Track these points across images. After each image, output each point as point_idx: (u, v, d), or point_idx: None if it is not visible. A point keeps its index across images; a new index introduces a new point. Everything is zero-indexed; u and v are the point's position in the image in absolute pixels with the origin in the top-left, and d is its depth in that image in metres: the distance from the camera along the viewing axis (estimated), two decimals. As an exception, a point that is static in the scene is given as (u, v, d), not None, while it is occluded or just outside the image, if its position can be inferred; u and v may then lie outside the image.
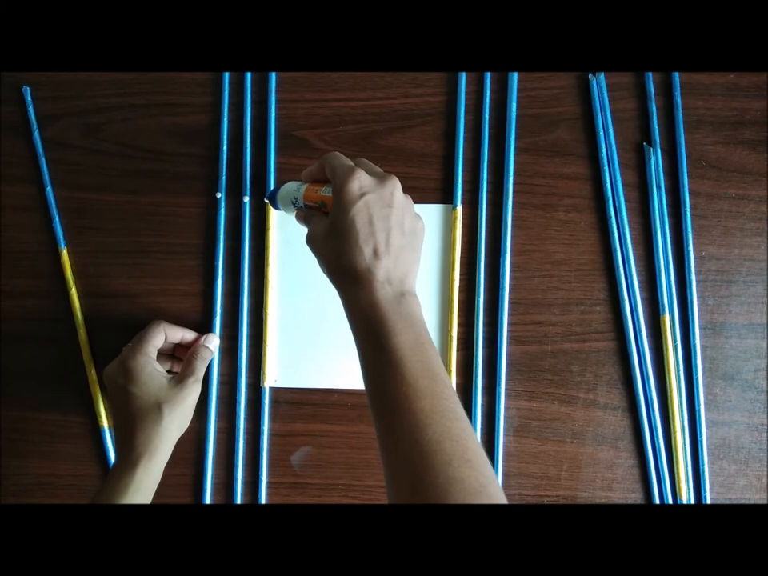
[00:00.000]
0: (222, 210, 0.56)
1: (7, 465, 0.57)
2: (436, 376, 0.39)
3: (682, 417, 0.55)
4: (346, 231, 0.41)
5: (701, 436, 0.55)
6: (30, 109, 0.57)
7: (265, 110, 0.57)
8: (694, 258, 0.55)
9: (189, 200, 0.57)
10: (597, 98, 0.56)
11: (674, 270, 0.56)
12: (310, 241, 0.45)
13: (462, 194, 0.56)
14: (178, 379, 0.51)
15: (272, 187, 0.56)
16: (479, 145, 0.56)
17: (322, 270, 0.44)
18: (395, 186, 0.43)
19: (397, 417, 0.37)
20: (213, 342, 0.55)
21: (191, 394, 0.51)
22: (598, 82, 0.56)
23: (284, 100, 0.57)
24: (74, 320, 0.56)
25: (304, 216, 0.48)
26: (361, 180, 0.42)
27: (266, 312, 0.56)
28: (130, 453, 0.48)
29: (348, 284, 0.42)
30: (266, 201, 0.55)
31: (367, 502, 0.56)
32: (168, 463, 0.50)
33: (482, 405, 0.56)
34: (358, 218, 0.41)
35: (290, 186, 0.49)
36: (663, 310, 0.55)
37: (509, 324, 0.56)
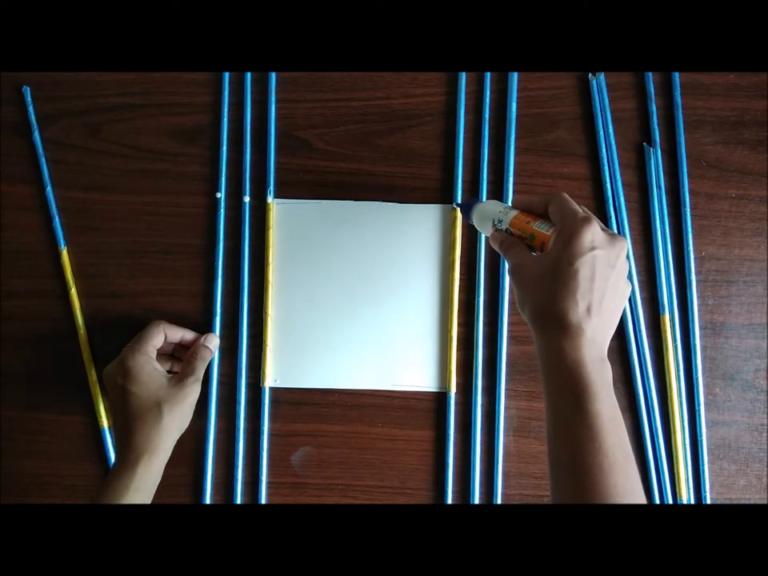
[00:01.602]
0: (222, 210, 0.56)
1: (7, 465, 0.57)
2: (629, 456, 0.39)
3: (682, 417, 0.55)
4: (567, 279, 0.40)
5: (701, 436, 0.55)
6: (30, 109, 0.57)
7: (265, 110, 0.57)
8: (694, 258, 0.55)
9: (189, 200, 0.57)
10: (597, 97, 0.56)
11: (674, 269, 0.56)
12: (516, 273, 0.43)
13: (462, 194, 0.56)
14: (178, 379, 0.51)
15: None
16: (479, 145, 0.56)
17: (522, 306, 0.43)
18: (623, 248, 0.42)
19: (586, 481, 0.38)
20: (212, 342, 0.55)
21: (191, 393, 0.51)
22: (598, 81, 0.56)
23: (284, 100, 0.57)
24: (73, 320, 0.56)
25: (503, 240, 0.46)
26: (594, 233, 0.40)
27: (266, 312, 0.56)
28: (130, 452, 0.48)
29: (554, 331, 0.40)
30: (456, 206, 0.55)
31: (367, 501, 0.56)
32: (168, 463, 0.50)
33: (482, 405, 0.56)
34: (583, 271, 0.40)
35: (495, 206, 0.48)
36: (663, 309, 0.55)
37: (509, 324, 0.56)
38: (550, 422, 0.41)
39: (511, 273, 0.44)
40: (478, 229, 0.50)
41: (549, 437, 0.41)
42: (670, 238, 0.56)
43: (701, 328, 0.56)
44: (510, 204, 0.47)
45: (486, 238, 0.56)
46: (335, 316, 0.56)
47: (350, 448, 0.57)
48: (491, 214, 0.47)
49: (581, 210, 0.42)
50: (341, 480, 0.57)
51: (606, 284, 0.40)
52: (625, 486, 0.38)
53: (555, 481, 0.40)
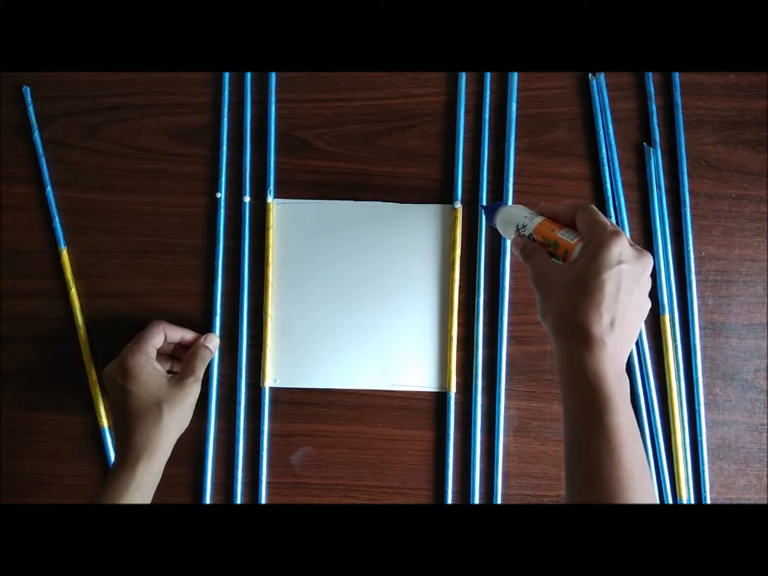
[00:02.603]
0: (222, 210, 0.56)
1: (7, 465, 0.57)
2: (646, 470, 0.39)
3: (682, 417, 0.55)
4: (592, 291, 0.40)
5: (701, 436, 0.55)
6: (30, 109, 0.57)
7: (265, 110, 0.57)
8: (694, 258, 0.55)
9: (189, 200, 0.57)
10: (597, 98, 0.56)
11: (674, 269, 0.56)
12: (540, 282, 0.43)
13: (462, 194, 0.56)
14: (178, 379, 0.51)
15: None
16: (479, 145, 0.56)
17: (543, 314, 0.43)
18: (649, 264, 0.42)
19: (605, 495, 0.38)
20: (212, 342, 0.55)
21: (191, 393, 0.51)
22: (598, 81, 0.56)
23: (284, 100, 0.57)
24: (73, 320, 0.56)
25: (524, 246, 0.46)
26: (623, 247, 0.40)
27: (266, 312, 0.56)
28: (130, 452, 0.48)
29: (576, 342, 0.40)
30: (481, 208, 0.55)
31: (367, 501, 0.56)
32: (168, 463, 0.50)
33: (482, 405, 0.56)
34: (609, 284, 0.40)
35: (520, 211, 0.47)
36: (663, 309, 0.55)
37: (509, 324, 0.56)
38: (569, 434, 0.41)
39: (534, 280, 0.44)
40: (500, 232, 0.50)
41: (567, 448, 0.41)
42: (670, 237, 0.56)
43: (701, 328, 0.56)
44: (534, 211, 0.47)
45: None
46: (335, 316, 0.56)
47: (350, 448, 0.57)
48: (516, 219, 0.47)
49: (609, 224, 0.42)
50: (341, 480, 0.57)
51: (630, 298, 0.40)
52: (642, 501, 0.38)
53: (572, 492, 0.40)
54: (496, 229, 0.50)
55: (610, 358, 0.40)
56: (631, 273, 0.40)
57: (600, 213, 0.43)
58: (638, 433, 0.40)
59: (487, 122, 0.56)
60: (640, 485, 0.38)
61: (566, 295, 0.41)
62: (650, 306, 0.43)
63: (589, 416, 0.39)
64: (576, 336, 0.40)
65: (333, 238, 0.56)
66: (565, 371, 0.41)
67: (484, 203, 0.55)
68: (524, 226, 0.46)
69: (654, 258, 0.55)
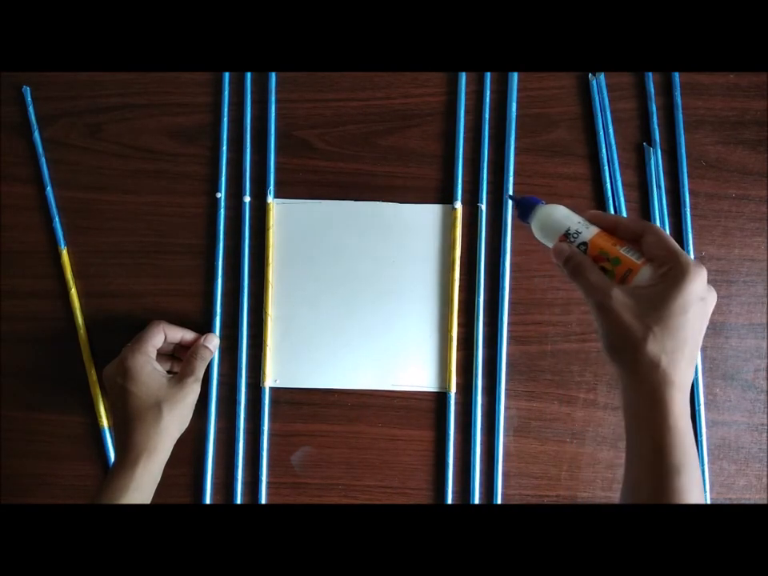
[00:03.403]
0: (222, 210, 0.56)
1: (7, 465, 0.57)
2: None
3: (682, 417, 0.55)
4: (677, 329, 0.37)
5: (701, 436, 0.55)
6: (30, 109, 0.57)
7: (265, 110, 0.57)
8: (694, 258, 0.55)
9: (189, 200, 0.57)
10: (597, 98, 0.56)
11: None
12: (605, 308, 0.39)
13: (462, 194, 0.56)
14: (178, 379, 0.51)
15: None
16: (479, 145, 0.56)
17: (612, 346, 0.39)
18: (715, 300, 0.40)
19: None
20: (212, 342, 0.55)
21: (191, 393, 0.51)
22: (598, 81, 0.56)
23: (284, 100, 0.57)
24: (73, 320, 0.56)
25: (573, 257, 0.41)
26: (704, 282, 0.38)
27: (266, 312, 0.56)
28: (130, 452, 0.48)
29: (652, 383, 0.38)
30: (510, 198, 0.49)
31: (367, 501, 0.56)
32: (168, 463, 0.50)
33: (482, 405, 0.56)
34: (693, 322, 0.38)
35: (570, 215, 0.43)
36: (663, 310, 0.55)
37: (509, 324, 0.56)
38: (630, 464, 0.40)
39: (596, 304, 0.39)
40: (535, 233, 0.44)
41: (626, 475, 0.40)
42: (670, 238, 0.56)
43: (701, 328, 0.56)
44: (582, 216, 0.43)
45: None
46: (335, 316, 0.56)
47: (350, 448, 0.57)
48: (565, 223, 0.42)
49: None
50: (341, 480, 0.57)
51: (701, 335, 0.39)
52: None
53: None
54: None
55: (686, 404, 0.38)
56: (706, 309, 0.39)
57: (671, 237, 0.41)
58: (701, 487, 0.39)
59: (487, 122, 0.56)
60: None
61: (643, 329, 0.37)
62: None
63: (661, 475, 0.37)
64: (653, 376, 0.37)
65: (333, 238, 0.56)
66: (635, 410, 0.39)
67: (512, 194, 0.49)
68: (577, 233, 0.42)
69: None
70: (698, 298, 0.38)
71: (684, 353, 0.37)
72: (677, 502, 0.37)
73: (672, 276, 0.38)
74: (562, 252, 0.42)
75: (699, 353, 0.40)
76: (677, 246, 0.39)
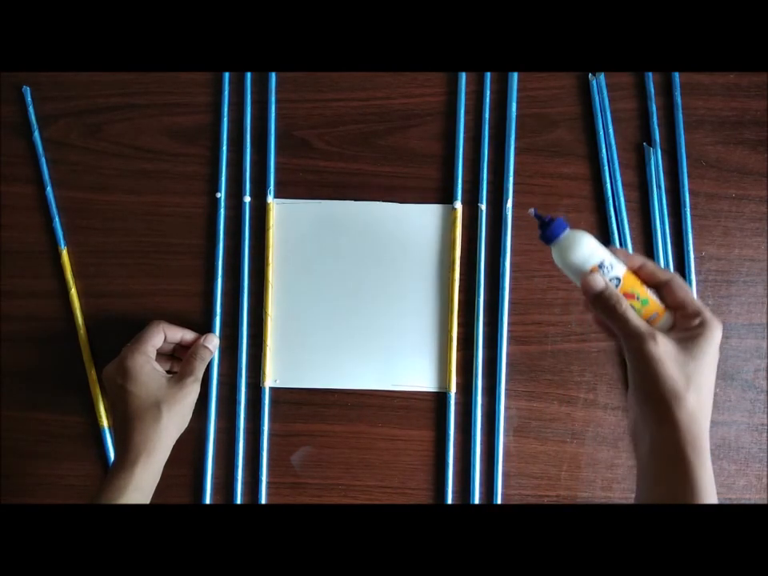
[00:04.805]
0: (222, 210, 0.56)
1: (7, 465, 0.57)
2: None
3: (682, 417, 0.55)
4: (708, 378, 0.39)
5: (701, 436, 0.55)
6: (30, 109, 0.57)
7: (265, 110, 0.57)
8: (694, 258, 0.55)
9: (189, 200, 0.57)
10: (597, 98, 0.56)
11: (674, 269, 0.56)
12: (651, 351, 0.38)
13: (462, 194, 0.56)
14: (177, 379, 0.51)
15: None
16: (479, 145, 0.56)
17: (647, 383, 0.38)
18: None
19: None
20: (212, 342, 0.55)
21: (190, 393, 0.51)
22: (598, 82, 0.56)
23: (284, 100, 0.57)
24: (73, 320, 0.56)
25: (612, 294, 0.39)
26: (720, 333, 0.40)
27: (266, 312, 0.56)
28: (129, 452, 0.48)
29: (688, 425, 0.38)
30: (538, 218, 0.41)
31: (367, 502, 0.56)
32: (168, 463, 0.50)
33: (482, 405, 0.56)
34: (713, 368, 0.39)
35: (597, 245, 0.40)
36: (663, 310, 0.55)
37: (509, 324, 0.56)
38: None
39: (637, 348, 0.38)
40: (556, 258, 0.41)
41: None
42: (670, 238, 0.56)
43: (701, 328, 0.55)
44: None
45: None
46: (335, 316, 0.56)
47: (350, 448, 0.57)
48: (599, 255, 0.40)
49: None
50: (341, 480, 0.57)
51: (714, 378, 0.40)
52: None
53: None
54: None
55: (705, 442, 0.38)
56: (718, 356, 0.40)
57: None
58: None
59: (487, 122, 0.56)
60: None
61: (685, 380, 0.38)
62: None
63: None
64: (695, 429, 0.38)
65: (333, 238, 0.56)
66: (680, 455, 0.38)
67: (536, 212, 0.42)
68: (610, 267, 0.40)
69: (654, 259, 0.55)
70: (717, 348, 0.39)
71: (710, 403, 0.39)
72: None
73: (704, 328, 0.39)
74: (596, 284, 0.40)
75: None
76: (700, 302, 0.41)
